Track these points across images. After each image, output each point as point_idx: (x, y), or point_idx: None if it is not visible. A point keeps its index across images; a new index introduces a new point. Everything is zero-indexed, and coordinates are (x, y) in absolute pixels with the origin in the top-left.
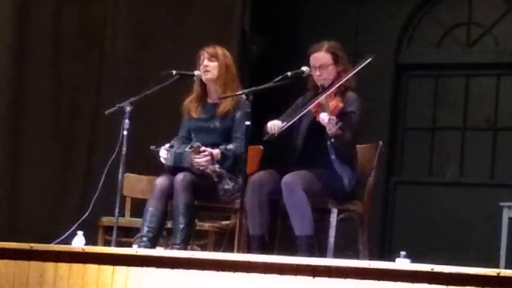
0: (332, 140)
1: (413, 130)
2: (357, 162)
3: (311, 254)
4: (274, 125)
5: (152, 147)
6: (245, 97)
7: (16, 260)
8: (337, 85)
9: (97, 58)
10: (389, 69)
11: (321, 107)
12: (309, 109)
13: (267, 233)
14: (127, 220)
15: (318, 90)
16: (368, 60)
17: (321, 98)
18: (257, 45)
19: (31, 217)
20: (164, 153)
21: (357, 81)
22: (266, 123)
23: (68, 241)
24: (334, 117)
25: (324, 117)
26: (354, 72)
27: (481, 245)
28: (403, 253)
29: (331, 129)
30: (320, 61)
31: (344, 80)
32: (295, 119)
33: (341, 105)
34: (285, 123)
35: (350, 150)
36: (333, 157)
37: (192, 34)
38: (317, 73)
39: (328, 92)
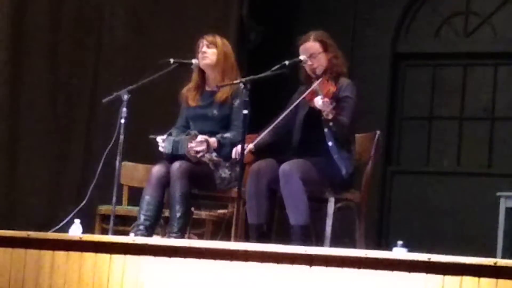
0: (331, 124)
1: (411, 119)
2: (355, 149)
3: (305, 243)
4: (238, 150)
5: (151, 136)
6: (243, 85)
7: (13, 248)
8: (316, 84)
9: (94, 47)
10: (386, 58)
11: (315, 94)
12: (304, 99)
13: (266, 222)
14: (124, 208)
15: (311, 81)
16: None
17: (314, 86)
18: (255, 34)
19: (28, 205)
20: (162, 142)
21: (349, 67)
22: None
23: (65, 229)
24: (327, 99)
25: (318, 100)
26: (317, 83)
27: (478, 235)
28: (400, 242)
29: (326, 110)
30: (310, 50)
31: (315, 85)
32: (277, 121)
33: (333, 89)
34: (251, 145)
35: (348, 136)
36: (330, 144)
37: (190, 22)
38: (309, 62)
39: (320, 80)
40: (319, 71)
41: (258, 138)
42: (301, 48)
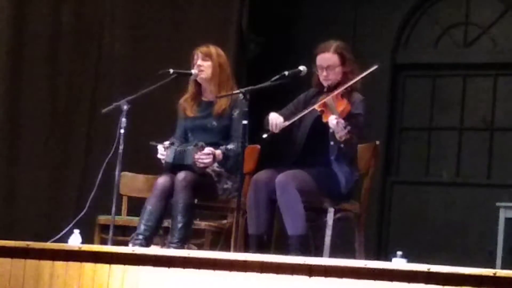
0: (342, 146)
1: (410, 130)
2: (357, 163)
3: (303, 253)
4: (276, 123)
5: (152, 142)
6: (242, 96)
7: (13, 258)
8: (342, 88)
9: (94, 57)
10: (386, 69)
11: (327, 108)
12: (313, 108)
13: (266, 232)
14: (124, 218)
15: (322, 89)
16: (374, 68)
17: (327, 99)
18: (254, 45)
19: (28, 215)
20: (162, 150)
21: (362, 82)
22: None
23: (64, 239)
24: (342, 121)
25: (332, 120)
26: (358, 78)
27: (477, 245)
28: (399, 253)
29: (340, 132)
30: (328, 62)
31: (348, 84)
32: (299, 116)
33: (348, 108)
34: (286, 121)
35: (354, 152)
36: (332, 158)
37: (190, 33)
38: (324, 73)
39: (334, 94)
40: (332, 84)
41: (286, 123)
42: (319, 58)
